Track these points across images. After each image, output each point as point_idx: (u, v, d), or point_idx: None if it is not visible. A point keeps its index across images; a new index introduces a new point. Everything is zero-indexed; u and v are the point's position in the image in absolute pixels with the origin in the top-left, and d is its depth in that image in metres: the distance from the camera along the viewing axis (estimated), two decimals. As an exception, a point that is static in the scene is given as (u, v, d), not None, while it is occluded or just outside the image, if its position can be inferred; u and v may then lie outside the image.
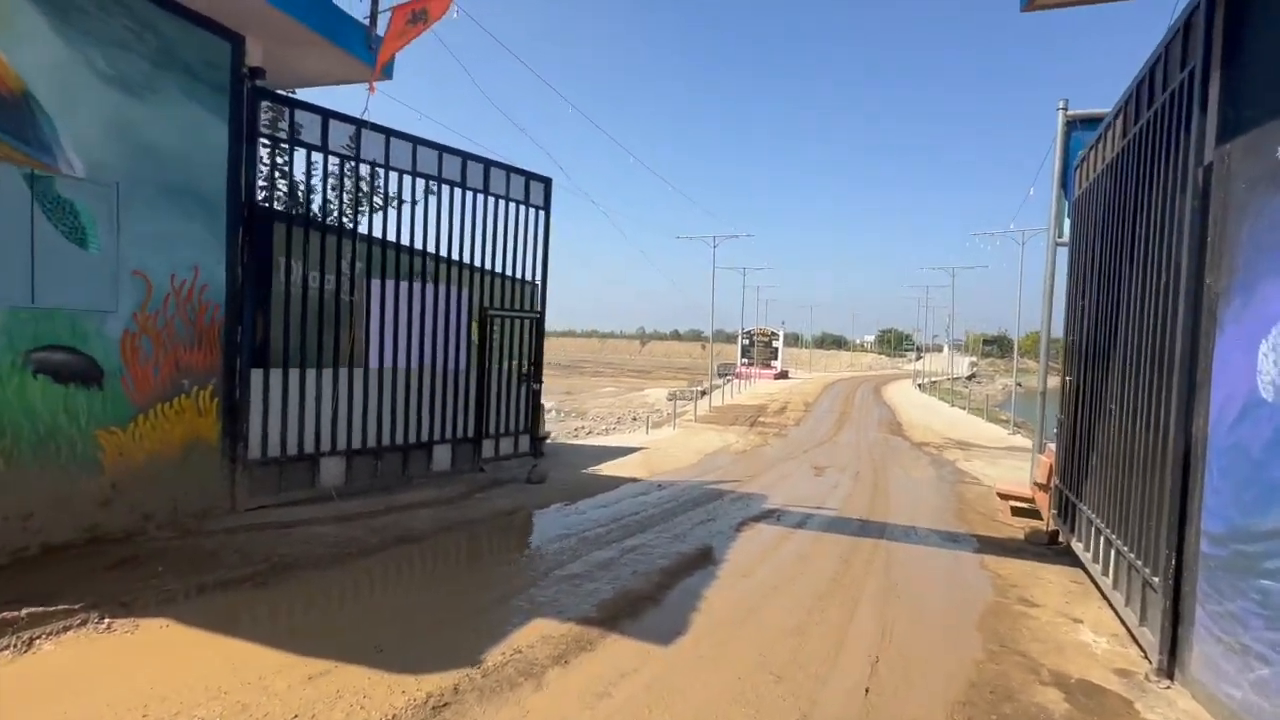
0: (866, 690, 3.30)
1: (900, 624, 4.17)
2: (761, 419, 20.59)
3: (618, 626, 3.89)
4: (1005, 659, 3.74)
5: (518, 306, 8.31)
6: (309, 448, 6.32)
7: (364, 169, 6.76)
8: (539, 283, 8.53)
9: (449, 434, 7.60)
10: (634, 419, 22.54)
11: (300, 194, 6.28)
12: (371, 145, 6.73)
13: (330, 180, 6.71)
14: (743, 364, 46.48)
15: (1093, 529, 5.16)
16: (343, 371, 6.56)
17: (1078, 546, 5.59)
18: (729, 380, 36.13)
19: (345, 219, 6.70)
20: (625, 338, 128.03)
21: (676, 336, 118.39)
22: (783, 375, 47.25)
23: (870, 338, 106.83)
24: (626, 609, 4.16)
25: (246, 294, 5.73)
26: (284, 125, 6.06)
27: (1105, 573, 4.78)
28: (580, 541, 5.66)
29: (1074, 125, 9.31)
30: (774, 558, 5.49)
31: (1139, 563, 4.02)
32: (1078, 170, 7.26)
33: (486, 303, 7.95)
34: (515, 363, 8.41)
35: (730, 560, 5.34)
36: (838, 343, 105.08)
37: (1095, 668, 3.69)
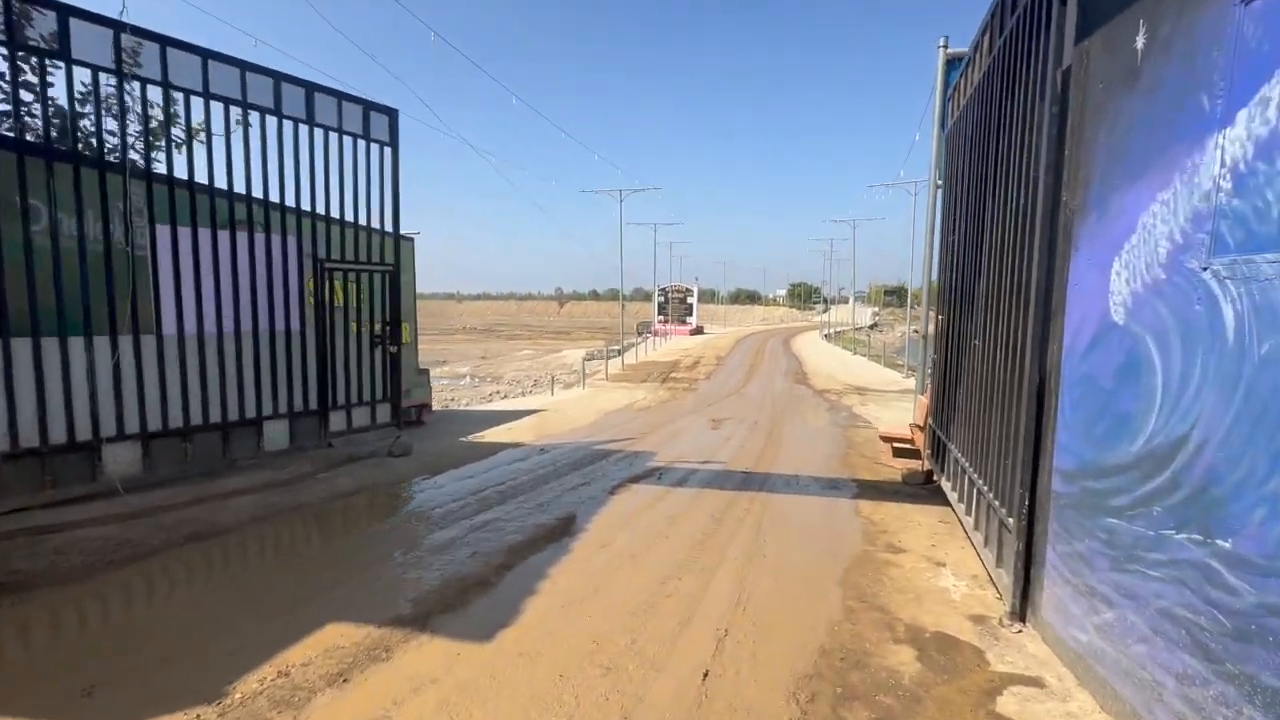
0: (705, 674, 2.88)
1: (760, 588, 3.81)
2: (674, 374, 20.51)
3: (430, 624, 3.28)
4: (863, 617, 3.45)
5: (365, 258, 7.27)
6: (84, 433, 5.18)
7: (141, 89, 5.44)
8: (392, 231, 7.50)
9: (284, 407, 6.59)
10: (552, 380, 21.95)
11: (37, 116, 4.93)
12: (148, 61, 5.43)
13: (92, 102, 5.32)
14: (659, 321, 46.40)
15: (959, 468, 5.04)
16: (126, 340, 5.40)
17: (946, 486, 5.51)
18: (646, 338, 35.87)
19: (110, 150, 5.37)
20: (543, 299, 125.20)
21: (595, 296, 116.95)
22: (698, 331, 47.62)
23: (782, 292, 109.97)
24: (450, 600, 3.56)
25: (-37, 244, 4.46)
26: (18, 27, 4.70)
27: (969, 512, 4.66)
28: (423, 522, 4.98)
29: (954, 64, 9.14)
30: (641, 522, 5.05)
31: (996, 503, 3.83)
32: (949, 102, 7.05)
33: (324, 254, 6.86)
34: (369, 324, 7.41)
35: (591, 529, 4.84)
36: (751, 298, 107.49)
37: (951, 616, 3.48)
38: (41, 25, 4.84)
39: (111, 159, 5.29)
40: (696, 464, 7.30)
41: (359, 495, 5.72)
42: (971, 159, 5.22)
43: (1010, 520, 3.51)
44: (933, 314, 8.58)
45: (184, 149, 5.74)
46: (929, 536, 4.80)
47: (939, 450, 6.05)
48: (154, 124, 5.74)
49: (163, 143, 5.69)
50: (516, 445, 8.42)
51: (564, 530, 4.81)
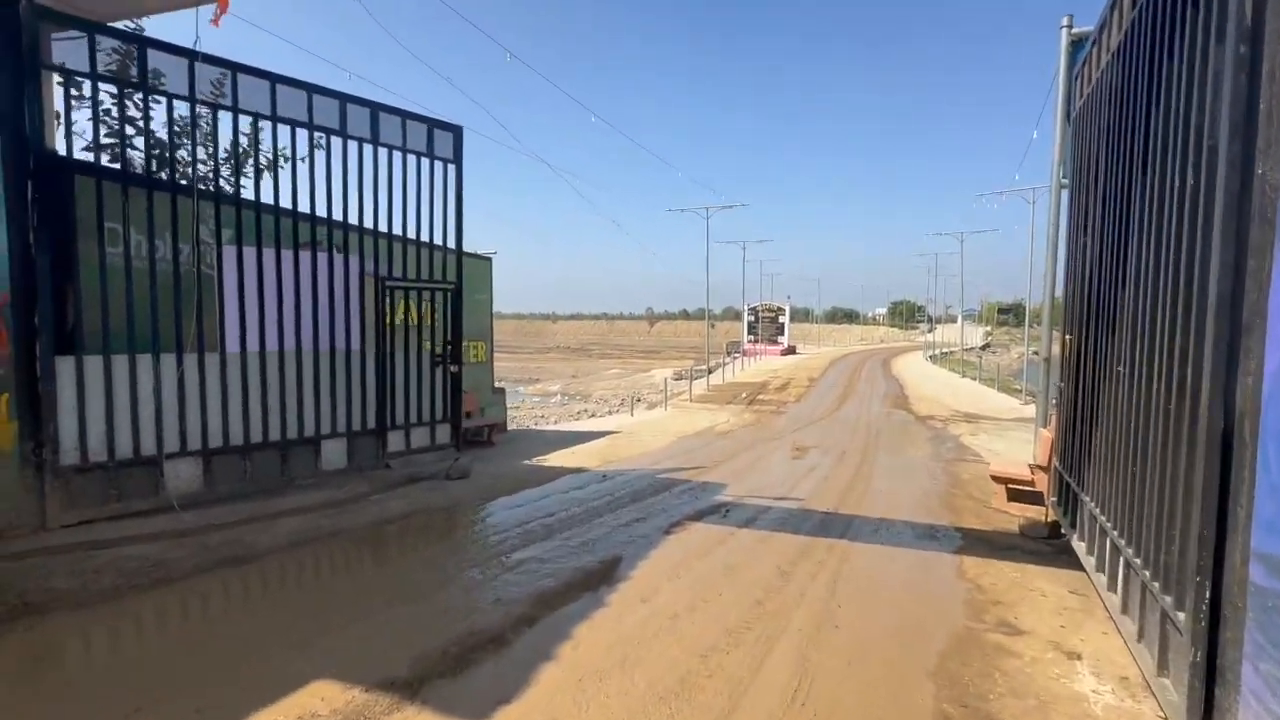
0: (738, 802, 2.19)
1: (827, 674, 3.05)
2: (760, 396, 19.72)
3: (424, 691, 2.82)
4: (963, 730, 2.62)
5: (426, 276, 7.20)
6: (149, 449, 5.30)
7: (213, 115, 5.62)
8: (454, 248, 7.39)
9: (342, 426, 6.55)
10: (638, 400, 21.91)
11: (119, 143, 5.17)
12: (222, 86, 5.61)
13: (176, 128, 5.55)
14: (749, 341, 45.17)
15: (1096, 527, 3.99)
16: (190, 357, 5.51)
17: (1079, 546, 4.43)
18: (735, 358, 34.99)
19: (179, 172, 5.54)
20: (634, 319, 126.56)
21: (685, 316, 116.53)
22: (790, 351, 45.87)
23: (882, 310, 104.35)
24: (454, 661, 3.09)
25: (42, 265, 4.67)
26: (107, 60, 4.96)
27: (1112, 588, 3.62)
28: (456, 557, 4.62)
29: (1080, 46, 8.02)
30: (694, 571, 4.39)
31: (1156, 585, 2.85)
32: (1077, 80, 5.96)
33: (385, 272, 6.83)
34: (429, 342, 7.31)
35: (635, 577, 4.25)
36: (849, 316, 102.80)
37: (1093, 742, 2.56)
38: (123, 56, 5.08)
39: (176, 181, 5.46)
40: (770, 500, 6.52)
41: (402, 522, 5.47)
42: (1109, 141, 4.22)
43: (1180, 616, 2.55)
44: (1057, 334, 7.41)
45: (252, 171, 5.87)
46: (1057, 613, 3.79)
47: (1068, 499, 4.94)
48: (225, 148, 5.89)
49: (233, 165, 5.84)
50: (579, 471, 8.00)
51: (604, 577, 4.25)
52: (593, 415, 21.86)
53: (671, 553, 4.77)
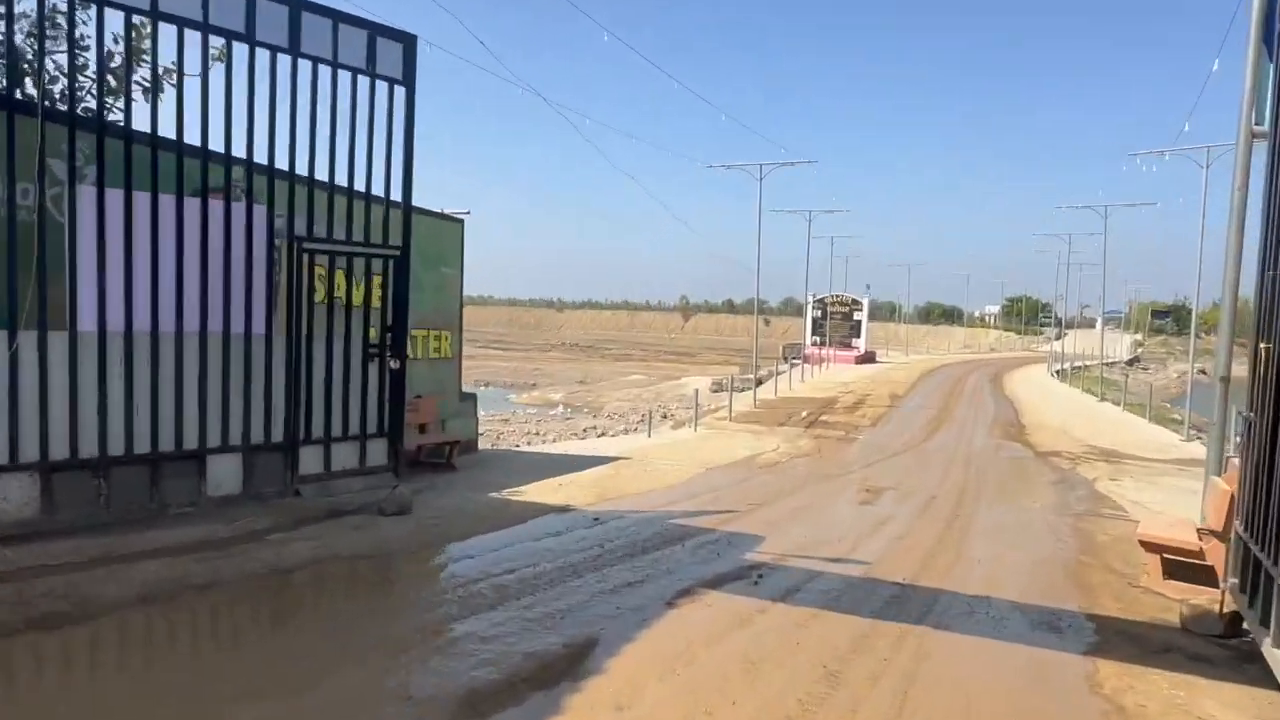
0: None
1: (879, 842, 2.62)
2: (824, 417, 19.60)
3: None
4: None
5: (361, 238, 6.95)
6: (-37, 460, 5.11)
7: (69, 6, 5.44)
8: (400, 202, 7.12)
9: (237, 437, 6.33)
10: (651, 416, 21.85)
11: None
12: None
13: (20, 29, 5.39)
14: (812, 344, 44.59)
15: (1307, 632, 3.49)
16: (28, 336, 5.33)
17: (1274, 656, 3.99)
18: (795, 365, 34.55)
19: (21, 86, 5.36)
20: (664, 310, 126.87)
21: (730, 308, 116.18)
22: (867, 359, 45.26)
23: (994, 308, 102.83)
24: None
25: None
26: None
27: (1331, 727, 3.11)
28: (364, 630, 4.36)
29: None
30: (699, 665, 4.07)
31: None
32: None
33: (302, 230, 6.61)
34: (361, 327, 7.07)
35: (613, 670, 3.92)
36: (949, 316, 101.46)
37: None
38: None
39: (27, 97, 5.29)
40: (821, 562, 6.24)
41: (304, 573, 5.30)
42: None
43: None
44: (1240, 345, 6.99)
45: (124, 90, 5.68)
46: (1240, 758, 3.32)
47: (1257, 581, 4.51)
48: (83, 53, 5.71)
49: (97, 79, 5.65)
50: (563, 510, 7.75)
51: (569, 667, 3.92)
52: (603, 434, 21.87)
53: (671, 635, 4.49)
